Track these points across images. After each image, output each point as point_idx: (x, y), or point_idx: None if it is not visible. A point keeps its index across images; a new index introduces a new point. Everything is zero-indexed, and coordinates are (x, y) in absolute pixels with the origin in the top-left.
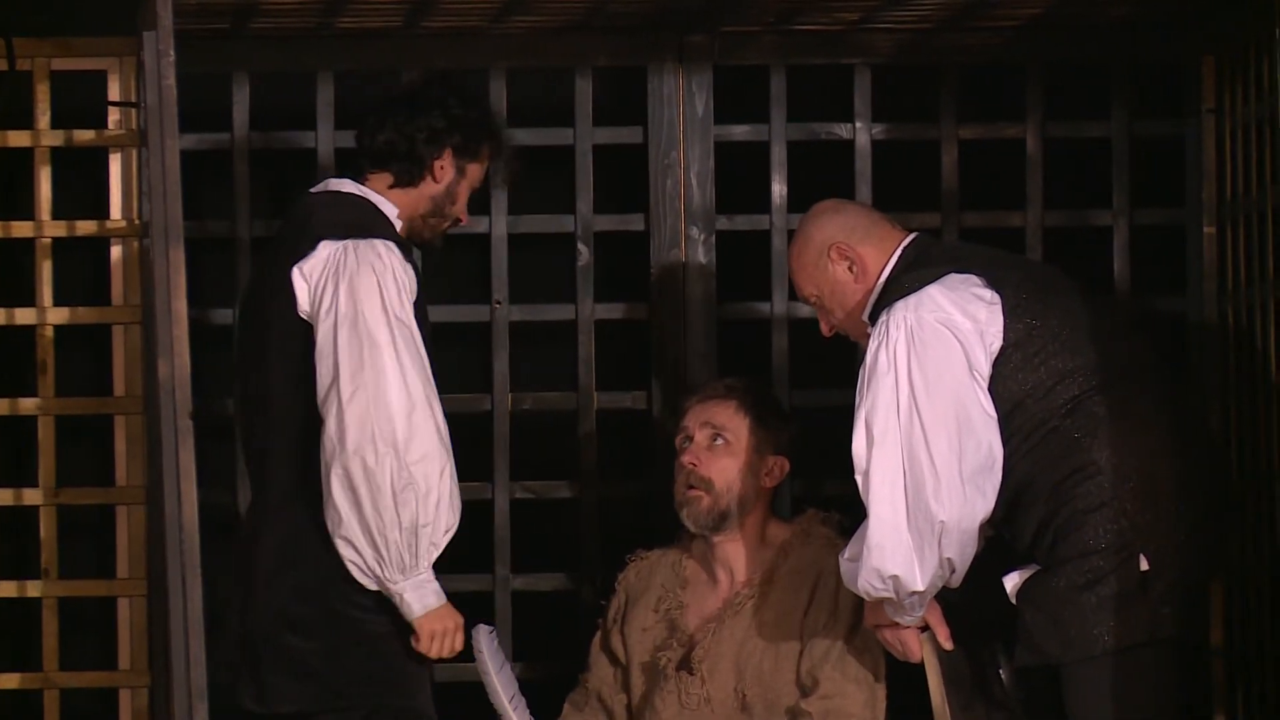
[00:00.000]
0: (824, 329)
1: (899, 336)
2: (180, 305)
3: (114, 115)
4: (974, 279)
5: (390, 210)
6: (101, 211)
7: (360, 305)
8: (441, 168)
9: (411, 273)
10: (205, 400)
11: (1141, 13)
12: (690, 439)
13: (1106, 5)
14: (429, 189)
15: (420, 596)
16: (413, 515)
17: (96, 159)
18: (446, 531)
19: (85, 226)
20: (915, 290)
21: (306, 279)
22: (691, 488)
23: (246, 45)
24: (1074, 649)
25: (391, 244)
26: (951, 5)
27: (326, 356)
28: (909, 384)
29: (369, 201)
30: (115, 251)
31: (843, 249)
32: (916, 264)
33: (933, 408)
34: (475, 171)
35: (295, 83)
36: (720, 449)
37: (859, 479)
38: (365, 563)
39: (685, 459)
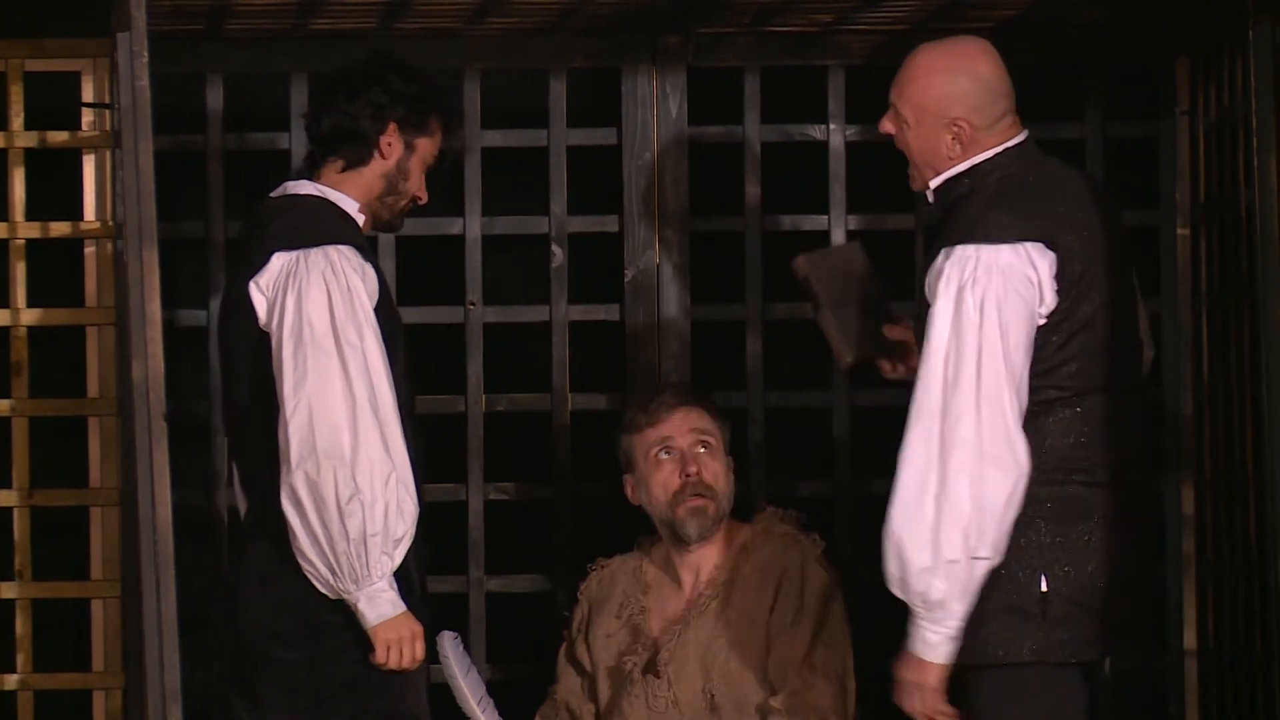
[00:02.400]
0: (883, 126)
1: (985, 284)
2: (154, 307)
3: (88, 116)
4: (1052, 258)
5: (350, 206)
6: (75, 213)
7: (306, 316)
8: (389, 144)
9: (372, 275)
10: (179, 402)
11: (1115, 15)
12: (675, 447)
13: (1080, 8)
14: (380, 166)
15: (374, 606)
16: (359, 525)
17: (70, 160)
18: (398, 542)
19: (59, 228)
20: (995, 241)
21: (263, 292)
22: (699, 496)
23: (221, 46)
24: (981, 654)
25: (346, 248)
26: (925, 7)
27: (277, 371)
28: (998, 330)
29: (326, 201)
30: (89, 253)
31: (962, 127)
32: (1011, 190)
33: (1012, 354)
34: (426, 146)
35: (269, 84)
36: (706, 454)
37: (926, 422)
38: (320, 574)
39: (690, 468)
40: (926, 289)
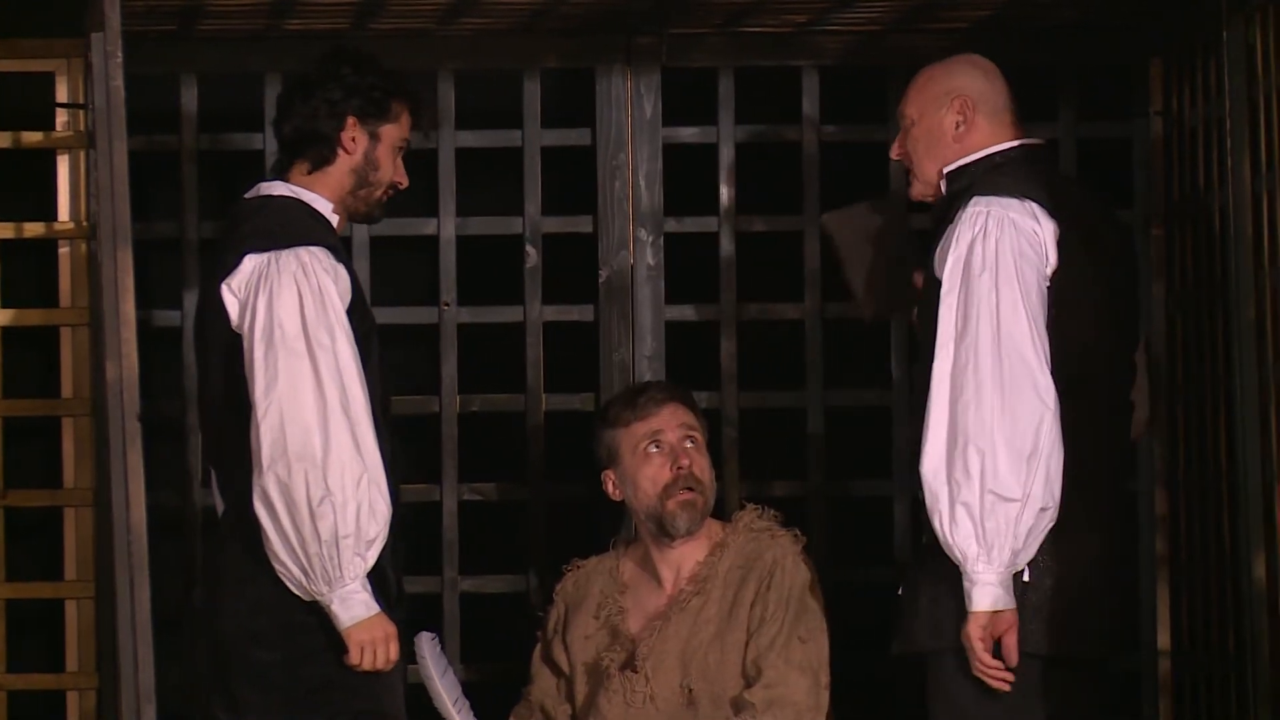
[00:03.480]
0: (893, 151)
1: (997, 235)
2: (128, 307)
3: (62, 117)
4: (1053, 224)
5: (324, 206)
6: (49, 213)
7: (277, 318)
8: (352, 139)
9: (344, 276)
10: (153, 402)
11: (1089, 15)
12: (665, 442)
13: (1054, 8)
14: (347, 162)
15: (347, 608)
16: (331, 528)
17: (44, 160)
18: (370, 543)
19: (33, 228)
20: (1004, 194)
21: (235, 294)
22: (690, 489)
23: (194, 47)
24: (942, 638)
25: (318, 249)
26: (899, 8)
27: (249, 373)
28: (1010, 276)
29: (299, 202)
30: (63, 253)
31: (966, 105)
32: (1019, 168)
33: (1029, 305)
34: (392, 132)
35: (243, 84)
36: (693, 449)
37: (942, 377)
38: (293, 576)
39: (682, 461)
40: (936, 263)
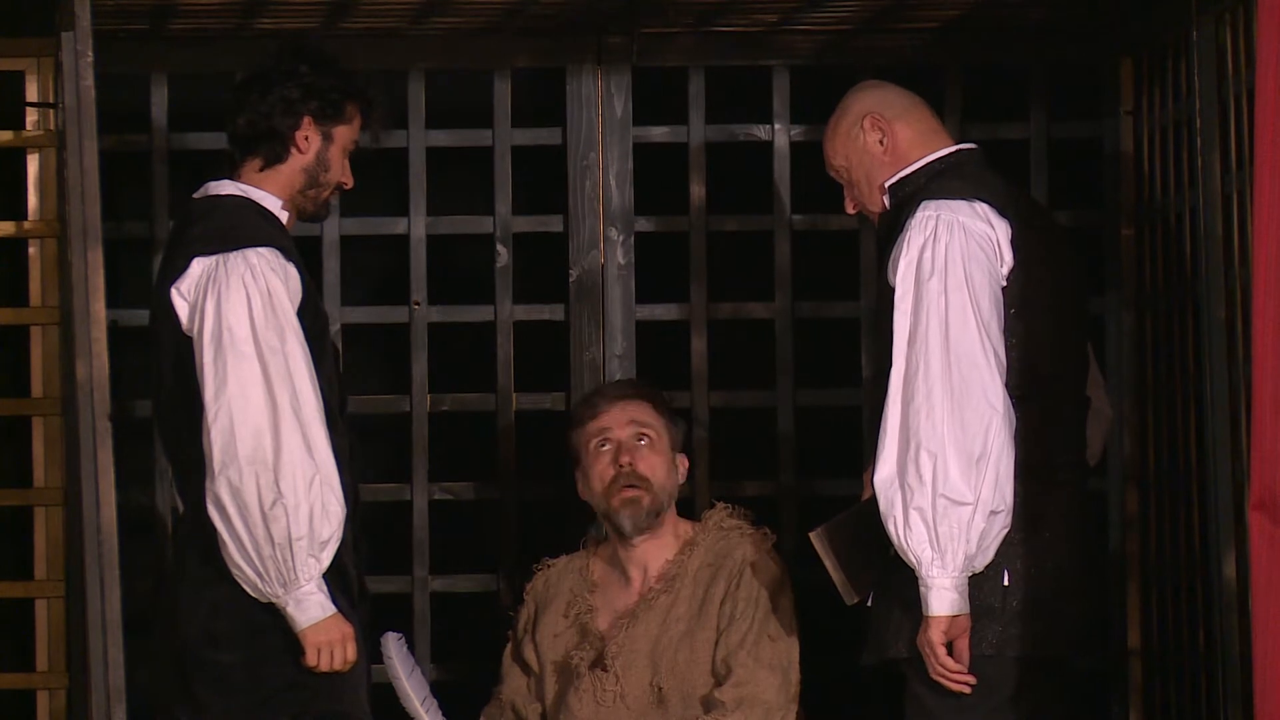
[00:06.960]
0: (848, 207)
1: (947, 240)
2: (98, 306)
3: (32, 116)
4: (1005, 223)
5: (273, 204)
6: (19, 212)
7: (226, 321)
8: (305, 138)
9: (294, 276)
10: (123, 401)
11: (1059, 15)
12: (613, 439)
13: (1024, 8)
14: (299, 161)
15: (303, 609)
16: (284, 530)
17: (14, 160)
18: (324, 544)
19: (3, 227)
20: (954, 197)
21: (185, 298)
22: (632, 487)
23: (165, 46)
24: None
25: (266, 251)
26: (869, 8)
27: (199, 377)
28: (961, 279)
29: (249, 201)
30: (33, 252)
31: (877, 120)
32: (964, 168)
33: (984, 305)
34: (345, 134)
35: (214, 84)
36: (646, 447)
37: (896, 386)
38: (248, 579)
39: (623, 459)
40: (890, 270)
